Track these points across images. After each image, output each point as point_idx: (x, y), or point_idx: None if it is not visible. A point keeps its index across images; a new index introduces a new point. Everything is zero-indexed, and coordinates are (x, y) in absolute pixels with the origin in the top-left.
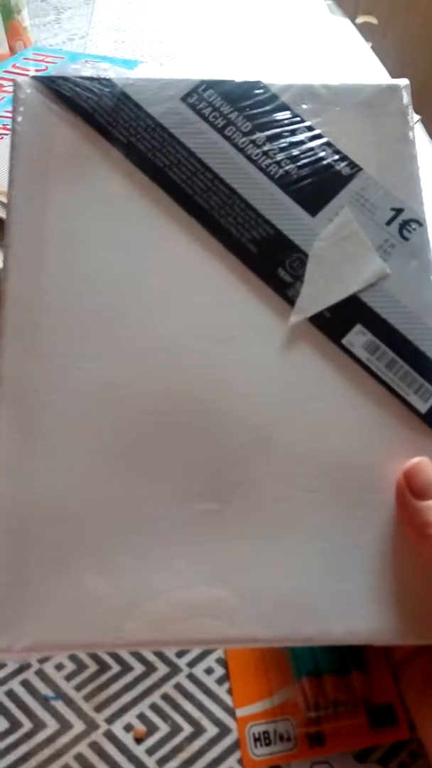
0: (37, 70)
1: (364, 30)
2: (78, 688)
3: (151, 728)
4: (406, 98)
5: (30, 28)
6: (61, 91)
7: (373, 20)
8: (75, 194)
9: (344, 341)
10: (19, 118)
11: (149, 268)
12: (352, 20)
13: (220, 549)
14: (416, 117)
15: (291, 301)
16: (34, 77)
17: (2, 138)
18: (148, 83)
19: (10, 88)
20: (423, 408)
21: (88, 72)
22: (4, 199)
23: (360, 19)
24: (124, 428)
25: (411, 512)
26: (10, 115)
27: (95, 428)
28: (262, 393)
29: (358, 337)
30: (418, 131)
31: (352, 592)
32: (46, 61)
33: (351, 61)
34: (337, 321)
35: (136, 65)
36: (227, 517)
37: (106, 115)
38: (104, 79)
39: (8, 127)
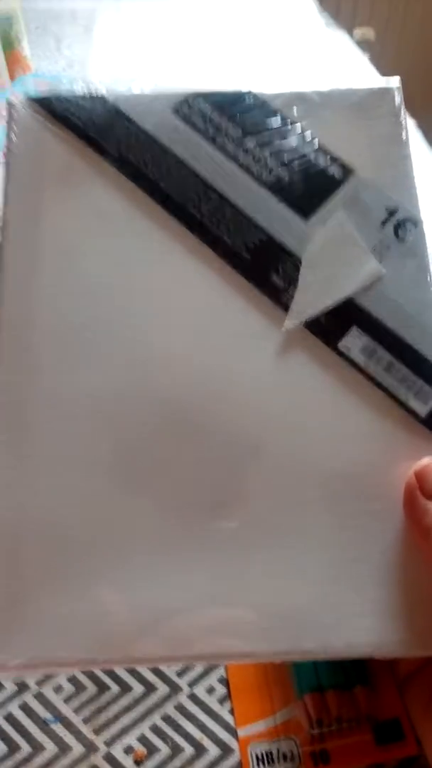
0: None
1: (361, 42)
2: (77, 710)
3: (152, 750)
4: (398, 99)
5: (30, 57)
6: (54, 109)
7: (371, 32)
8: (69, 210)
9: (340, 345)
10: (14, 137)
11: (143, 280)
12: (349, 33)
13: (216, 562)
14: (412, 123)
15: (285, 307)
16: (27, 96)
17: (2, 164)
18: (140, 97)
19: None
20: (423, 411)
21: (80, 89)
22: None
23: (357, 32)
24: (120, 443)
25: (420, 513)
26: None
27: (90, 444)
28: (259, 402)
29: (354, 341)
30: (417, 140)
31: (352, 604)
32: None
33: (348, 73)
34: (333, 325)
35: None
36: (225, 529)
37: (98, 131)
38: (96, 95)
39: None
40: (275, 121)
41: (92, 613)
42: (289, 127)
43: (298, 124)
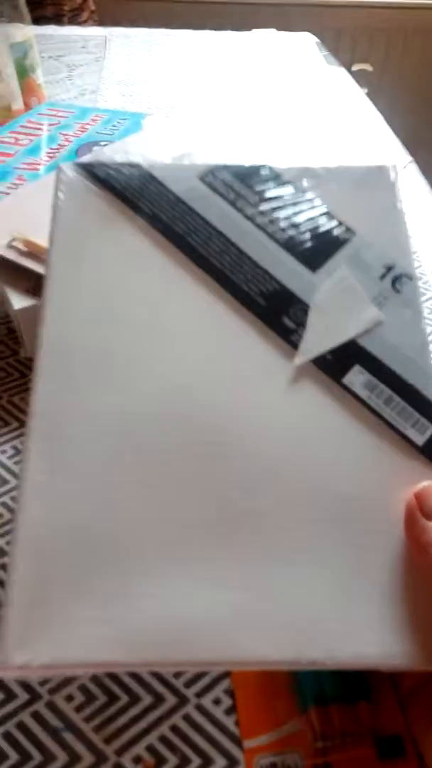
0: (50, 125)
1: (360, 77)
2: (87, 719)
3: (160, 760)
4: (393, 176)
5: (44, 85)
6: (97, 174)
7: (369, 68)
8: (106, 256)
9: (345, 380)
10: (61, 195)
11: (170, 318)
12: (348, 69)
13: (230, 574)
14: (409, 159)
15: (295, 346)
16: (74, 163)
17: (17, 188)
18: (171, 166)
19: (25, 141)
20: (420, 440)
21: (119, 157)
22: (20, 245)
23: (356, 67)
24: (144, 459)
25: (419, 531)
26: (25, 167)
27: (118, 458)
28: (271, 428)
29: (357, 377)
30: (413, 173)
31: (359, 618)
32: (59, 116)
33: (347, 107)
34: (338, 362)
35: (144, 117)
36: (239, 543)
37: (134, 192)
38: (134, 163)
39: (23, 177)
40: (288, 190)
41: (114, 616)
42: (300, 195)
43: (308, 193)
